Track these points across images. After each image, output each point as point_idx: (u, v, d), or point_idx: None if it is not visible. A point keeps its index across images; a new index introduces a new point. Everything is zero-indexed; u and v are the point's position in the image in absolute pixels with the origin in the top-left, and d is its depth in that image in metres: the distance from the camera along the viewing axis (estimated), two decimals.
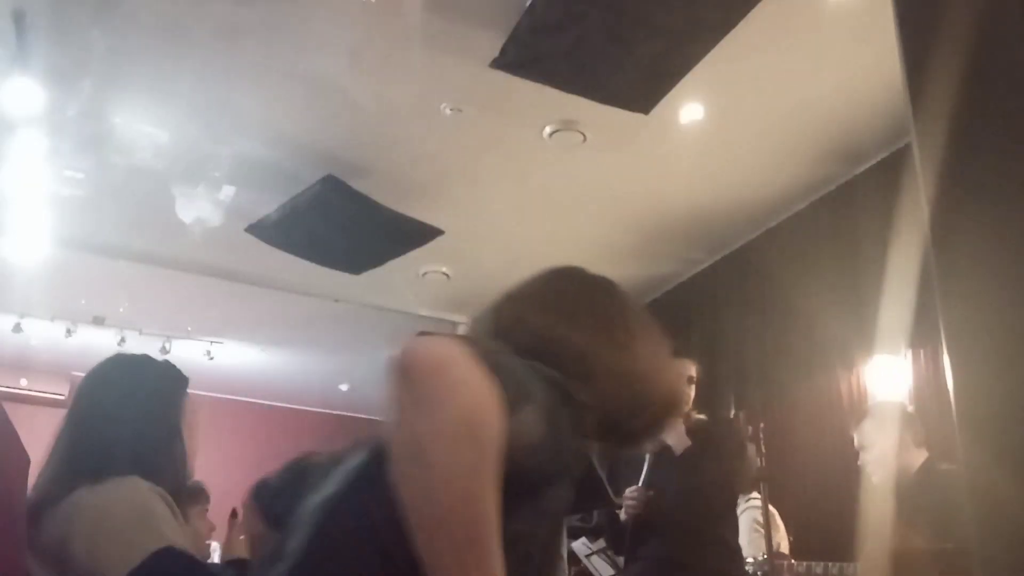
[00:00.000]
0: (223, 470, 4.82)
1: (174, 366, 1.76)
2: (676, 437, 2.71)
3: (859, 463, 2.79)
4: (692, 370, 2.87)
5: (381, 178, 4.11)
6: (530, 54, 2.99)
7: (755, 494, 3.59)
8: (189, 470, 1.68)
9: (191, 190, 3.88)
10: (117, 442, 1.55)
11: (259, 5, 3.06)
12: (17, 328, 6.08)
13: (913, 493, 2.71)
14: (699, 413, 2.89)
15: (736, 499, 2.98)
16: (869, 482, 2.66)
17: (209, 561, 2.46)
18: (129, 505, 1.45)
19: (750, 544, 3.47)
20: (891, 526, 2.59)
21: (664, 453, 2.70)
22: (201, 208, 3.86)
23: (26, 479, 1.50)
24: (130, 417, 1.59)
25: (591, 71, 3.08)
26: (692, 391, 2.86)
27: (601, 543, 3.34)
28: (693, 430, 2.75)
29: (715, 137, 3.72)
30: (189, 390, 1.74)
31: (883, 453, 2.77)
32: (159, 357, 1.79)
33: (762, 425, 3.32)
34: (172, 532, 1.45)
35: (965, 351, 1.03)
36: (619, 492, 2.64)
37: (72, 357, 6.56)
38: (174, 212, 4.00)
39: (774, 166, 3.94)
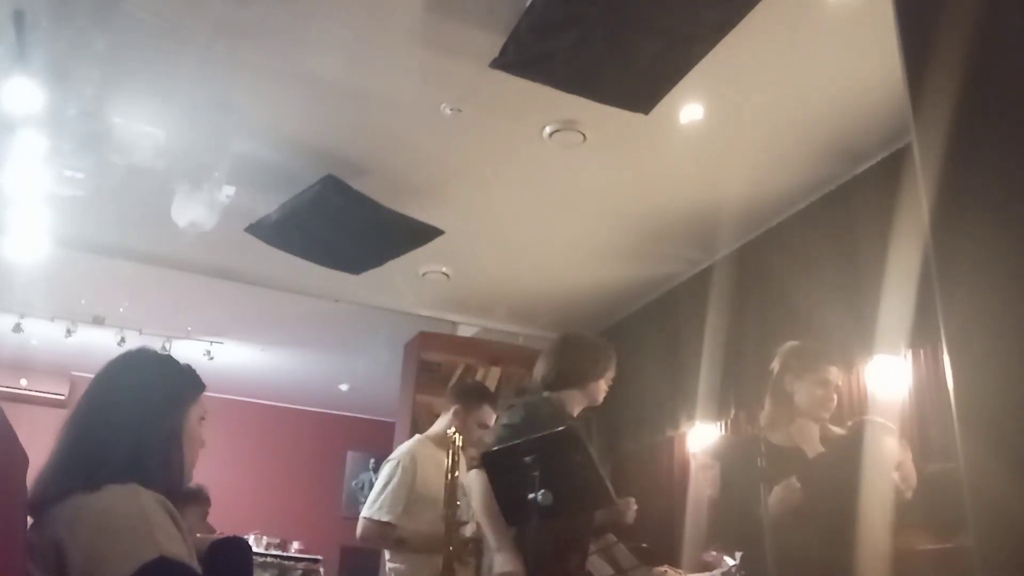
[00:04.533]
0: (223, 470, 4.83)
1: (191, 371, 1.75)
2: (810, 443, 2.67)
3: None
4: (834, 375, 2.78)
5: (381, 178, 4.11)
6: (530, 54, 2.99)
7: None
8: (186, 477, 1.67)
9: (191, 190, 3.88)
10: (115, 447, 1.54)
11: (259, 5, 3.06)
12: (17, 328, 6.08)
13: (910, 498, 2.70)
14: (837, 428, 2.79)
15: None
16: (900, 498, 2.59)
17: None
18: (126, 513, 1.45)
19: None
20: (890, 528, 2.58)
21: (795, 454, 2.66)
22: (196, 211, 3.85)
23: (25, 479, 1.50)
24: (131, 421, 1.58)
25: (591, 71, 3.07)
26: (834, 398, 2.77)
27: (602, 543, 3.34)
28: (825, 439, 2.70)
29: (715, 137, 3.71)
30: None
31: (910, 469, 2.72)
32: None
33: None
34: (168, 540, 1.44)
35: (965, 351, 1.03)
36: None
37: (72, 357, 6.58)
38: None
39: (774, 166, 3.94)
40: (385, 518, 3.35)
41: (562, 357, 2.99)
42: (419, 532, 3.34)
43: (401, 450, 3.57)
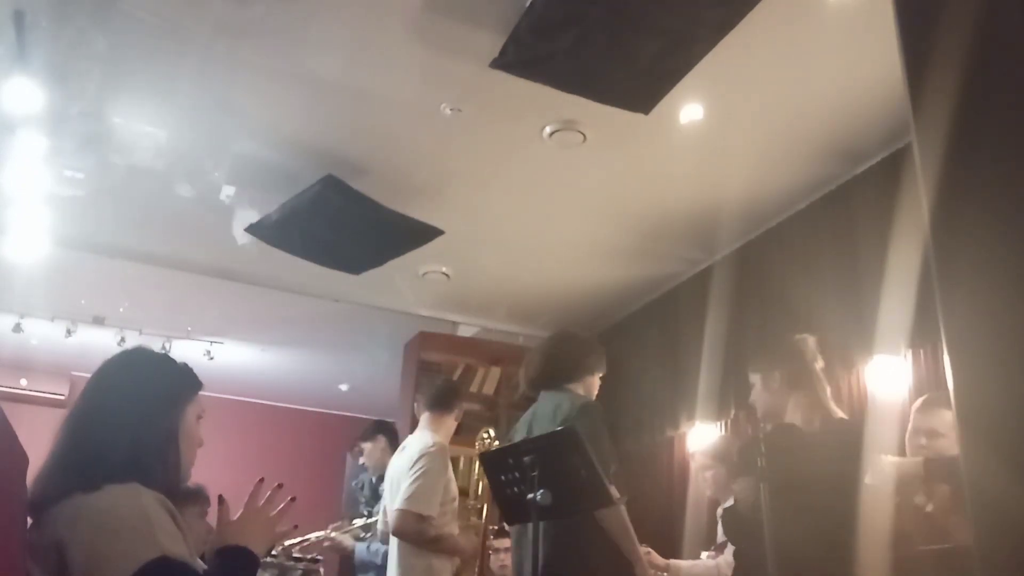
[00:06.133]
0: (223, 470, 4.82)
1: (188, 370, 1.75)
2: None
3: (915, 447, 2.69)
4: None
5: (381, 178, 4.11)
6: (530, 54, 2.99)
7: None
8: (184, 475, 1.67)
9: (193, 191, 3.89)
10: (114, 446, 1.54)
11: (259, 5, 3.06)
12: (17, 328, 6.07)
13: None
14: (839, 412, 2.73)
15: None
16: (920, 469, 2.57)
17: None
18: (127, 512, 1.45)
19: None
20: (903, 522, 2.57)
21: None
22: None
23: (25, 479, 1.50)
24: (129, 421, 1.58)
25: (591, 71, 3.08)
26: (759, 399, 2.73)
27: None
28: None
29: (715, 137, 3.71)
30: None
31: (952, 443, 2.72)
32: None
33: (762, 425, 3.31)
34: (169, 540, 1.44)
35: (965, 351, 1.03)
36: None
37: (72, 357, 6.57)
38: (174, 212, 4.01)
39: (774, 166, 3.94)
40: (433, 512, 3.28)
41: (558, 353, 3.01)
42: (444, 532, 3.35)
43: (433, 444, 3.45)
